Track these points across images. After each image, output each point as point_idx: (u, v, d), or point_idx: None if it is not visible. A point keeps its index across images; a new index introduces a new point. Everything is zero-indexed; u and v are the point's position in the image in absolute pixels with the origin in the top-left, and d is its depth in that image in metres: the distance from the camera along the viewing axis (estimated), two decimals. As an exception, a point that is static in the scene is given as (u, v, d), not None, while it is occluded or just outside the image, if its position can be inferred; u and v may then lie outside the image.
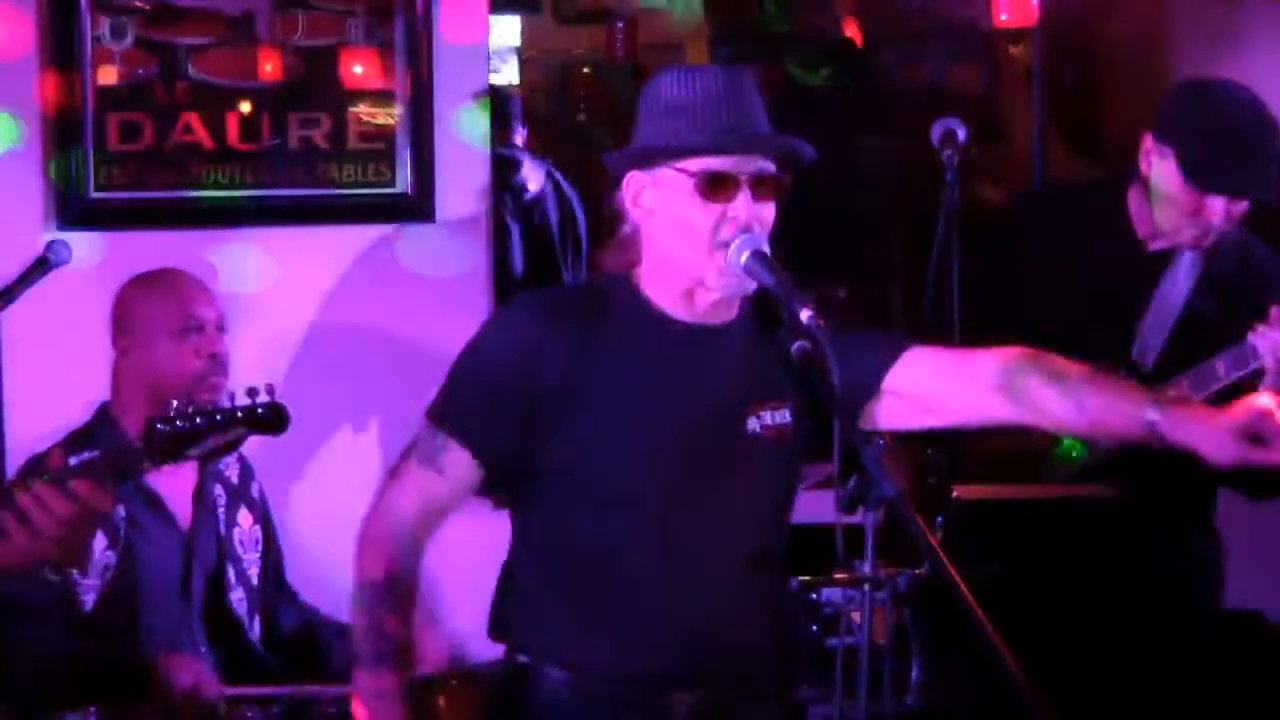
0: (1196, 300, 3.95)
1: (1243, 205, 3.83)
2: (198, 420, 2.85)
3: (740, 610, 3.01)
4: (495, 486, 3.08)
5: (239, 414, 2.85)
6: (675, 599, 2.97)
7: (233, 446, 2.92)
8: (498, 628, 3.11)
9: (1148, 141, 3.88)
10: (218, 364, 3.88)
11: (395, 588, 2.99)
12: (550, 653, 3.01)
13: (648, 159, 2.99)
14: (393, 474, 3.07)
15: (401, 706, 2.96)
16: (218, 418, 2.86)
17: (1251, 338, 3.61)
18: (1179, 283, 3.96)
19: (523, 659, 3.05)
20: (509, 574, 3.11)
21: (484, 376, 3.02)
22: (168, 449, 2.87)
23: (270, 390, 2.86)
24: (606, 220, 3.08)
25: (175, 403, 2.86)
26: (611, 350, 3.00)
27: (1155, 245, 3.94)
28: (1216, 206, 3.80)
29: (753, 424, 3.02)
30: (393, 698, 2.96)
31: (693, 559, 2.98)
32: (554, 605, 3.02)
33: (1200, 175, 3.78)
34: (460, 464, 3.00)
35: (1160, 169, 3.85)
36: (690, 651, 2.98)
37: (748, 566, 3.00)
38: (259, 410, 2.85)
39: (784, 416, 3.04)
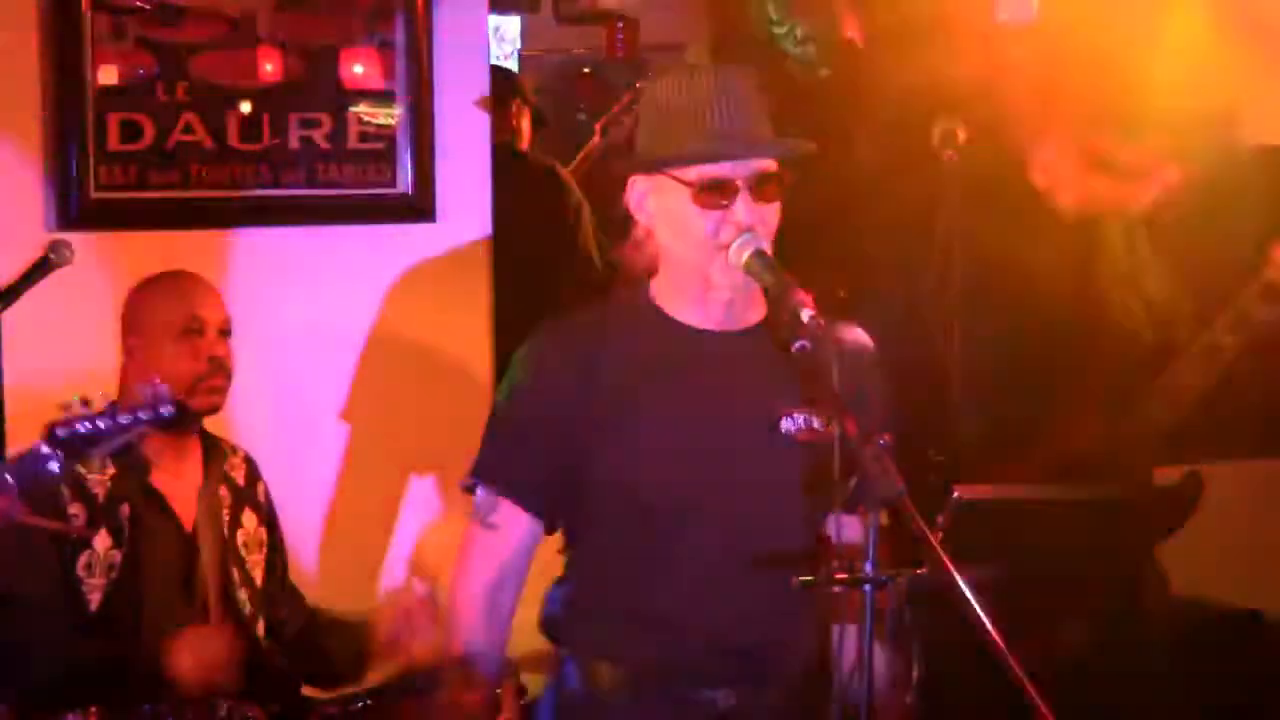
0: None
1: None
2: (100, 425, 2.91)
3: (775, 609, 3.02)
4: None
5: (140, 416, 2.91)
6: (719, 599, 3.01)
7: (131, 441, 3.02)
8: (548, 627, 3.18)
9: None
10: (217, 367, 3.87)
11: (471, 661, 3.05)
12: (600, 648, 3.07)
13: (648, 166, 3.00)
14: (464, 541, 3.14)
15: None
16: (119, 420, 2.92)
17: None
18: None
19: (570, 654, 3.12)
20: (563, 580, 3.17)
21: (524, 426, 3.07)
22: (69, 451, 2.93)
23: (156, 384, 2.96)
24: (619, 221, 3.09)
25: (75, 400, 2.91)
26: (640, 369, 3.02)
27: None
28: None
29: (787, 425, 3.03)
30: None
31: (733, 559, 3.01)
32: (603, 607, 3.08)
33: None
34: (516, 519, 3.08)
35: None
36: (732, 650, 3.02)
37: (781, 565, 3.00)
38: (161, 411, 2.92)
39: (819, 420, 3.04)
